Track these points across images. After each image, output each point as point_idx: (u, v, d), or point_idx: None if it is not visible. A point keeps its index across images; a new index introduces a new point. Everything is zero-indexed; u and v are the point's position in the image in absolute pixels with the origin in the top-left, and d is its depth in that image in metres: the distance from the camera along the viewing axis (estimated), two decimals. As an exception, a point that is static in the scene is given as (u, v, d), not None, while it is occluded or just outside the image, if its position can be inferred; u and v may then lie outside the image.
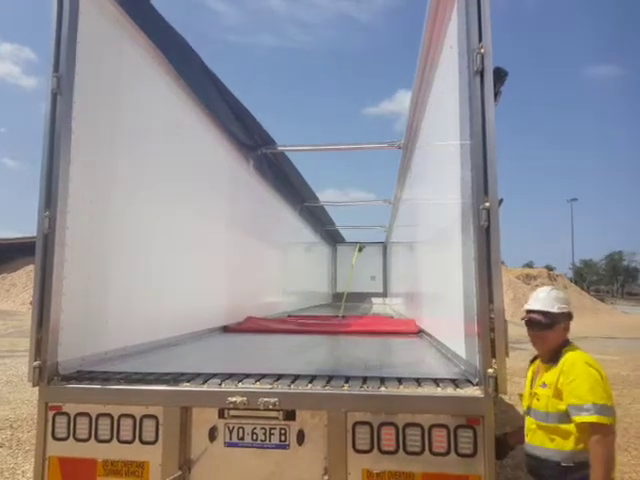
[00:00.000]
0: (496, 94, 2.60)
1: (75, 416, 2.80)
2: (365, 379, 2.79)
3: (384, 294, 15.54)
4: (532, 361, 2.93)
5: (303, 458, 2.68)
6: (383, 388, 2.66)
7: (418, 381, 2.74)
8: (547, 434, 2.30)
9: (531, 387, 2.74)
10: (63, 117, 3.03)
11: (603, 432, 2.09)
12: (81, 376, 2.95)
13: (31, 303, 2.99)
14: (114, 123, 3.62)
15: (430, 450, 2.53)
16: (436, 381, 2.74)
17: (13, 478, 4.99)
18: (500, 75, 2.64)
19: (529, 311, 2.76)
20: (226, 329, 5.88)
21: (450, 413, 2.55)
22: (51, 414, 2.82)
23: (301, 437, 2.68)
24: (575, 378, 2.22)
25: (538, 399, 2.41)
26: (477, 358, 2.61)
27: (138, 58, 3.99)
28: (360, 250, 15.04)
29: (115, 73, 3.65)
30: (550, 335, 2.67)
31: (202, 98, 5.11)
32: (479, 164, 2.59)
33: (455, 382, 2.72)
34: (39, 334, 2.86)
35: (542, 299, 2.77)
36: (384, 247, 16.01)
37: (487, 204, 2.56)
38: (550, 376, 2.37)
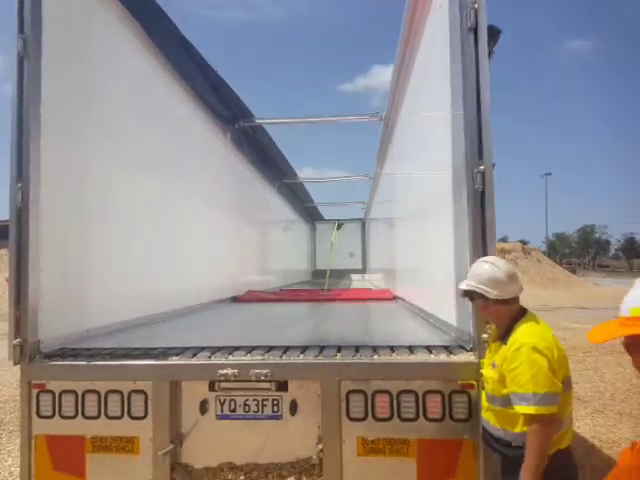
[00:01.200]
0: (489, 53, 2.53)
1: (60, 394, 2.71)
2: (357, 348, 2.76)
3: (363, 270, 15.65)
4: None
5: (296, 428, 2.65)
6: (376, 356, 2.64)
7: (410, 348, 2.73)
8: (495, 415, 2.26)
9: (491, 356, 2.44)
10: (32, 82, 2.86)
11: (541, 422, 2.01)
12: (64, 353, 2.85)
13: (7, 280, 2.86)
14: (86, 90, 3.44)
15: (425, 416, 2.53)
16: (428, 348, 2.73)
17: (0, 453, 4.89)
18: (493, 33, 2.56)
19: None
20: (235, 299, 6.80)
21: (444, 379, 2.54)
22: (35, 392, 2.73)
23: (294, 407, 2.66)
24: (517, 365, 2.08)
25: (485, 380, 2.36)
26: (470, 324, 2.60)
27: (109, 24, 3.78)
28: (339, 228, 15.02)
29: (85, 38, 3.45)
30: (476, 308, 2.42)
31: (176, 66, 4.90)
32: (473, 126, 2.54)
33: (448, 349, 2.71)
34: (18, 311, 2.74)
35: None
36: (362, 224, 16.05)
37: (482, 167, 2.52)
38: (499, 357, 2.22)
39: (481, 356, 2.49)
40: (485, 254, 2.51)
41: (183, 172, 5.24)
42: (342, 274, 14.76)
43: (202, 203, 5.83)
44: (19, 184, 2.77)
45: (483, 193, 2.53)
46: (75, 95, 3.30)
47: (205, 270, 5.79)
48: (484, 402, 2.32)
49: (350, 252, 16.16)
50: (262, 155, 8.62)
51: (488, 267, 2.28)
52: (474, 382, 2.52)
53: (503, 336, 2.27)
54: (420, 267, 4.52)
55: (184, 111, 5.34)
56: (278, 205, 11.29)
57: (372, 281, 12.29)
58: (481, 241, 2.53)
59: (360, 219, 16.21)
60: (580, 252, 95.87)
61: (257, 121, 7.21)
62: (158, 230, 4.55)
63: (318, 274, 15.38)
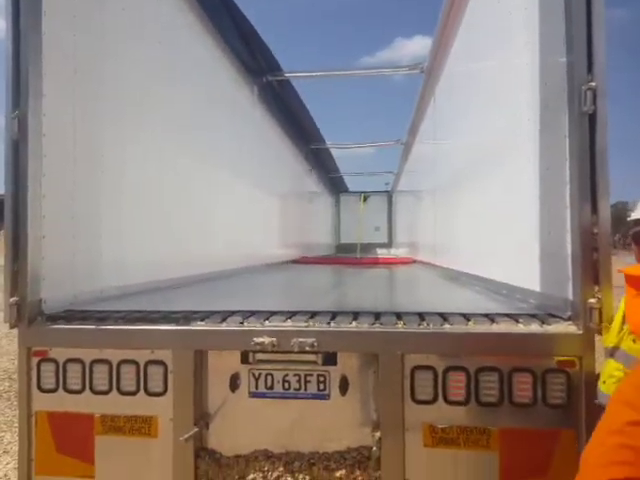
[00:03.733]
0: None
1: (65, 363, 2.29)
2: (421, 315, 2.25)
3: (389, 245, 15.19)
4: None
5: (347, 411, 2.19)
6: (447, 325, 2.13)
7: (488, 317, 2.20)
8: None
9: (624, 320, 2.00)
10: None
11: None
12: (71, 316, 2.41)
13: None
14: (101, 13, 2.95)
15: (510, 400, 2.02)
16: (511, 316, 2.20)
17: (11, 431, 4.71)
18: None
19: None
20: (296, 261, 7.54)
21: (536, 355, 2.02)
22: (35, 361, 2.32)
23: (344, 385, 2.19)
24: None
25: (635, 340, 1.80)
26: (569, 287, 2.06)
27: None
28: (364, 200, 14.51)
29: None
30: None
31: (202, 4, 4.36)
32: (579, 25, 1.94)
33: (536, 317, 2.18)
34: (15, 264, 2.31)
35: None
36: (389, 196, 15.50)
37: (593, 84, 1.93)
38: None
39: (587, 326, 1.95)
40: (594, 196, 1.96)
41: (204, 128, 4.71)
42: (368, 248, 14.38)
43: (223, 164, 5.33)
44: (16, 111, 2.31)
45: (594, 117, 1.95)
46: (87, 19, 2.81)
47: (233, 235, 5.35)
48: (616, 371, 1.76)
49: (376, 226, 15.71)
50: (290, 117, 8.03)
51: None
52: (575, 359, 1.99)
53: None
54: (477, 227, 3.93)
55: (209, 59, 4.80)
56: (304, 173, 10.74)
57: (400, 255, 11.85)
58: (589, 180, 1.96)
59: (386, 192, 15.63)
60: (612, 230, 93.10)
61: (287, 75, 6.64)
62: (190, 185, 4.17)
63: (342, 248, 15.00)
